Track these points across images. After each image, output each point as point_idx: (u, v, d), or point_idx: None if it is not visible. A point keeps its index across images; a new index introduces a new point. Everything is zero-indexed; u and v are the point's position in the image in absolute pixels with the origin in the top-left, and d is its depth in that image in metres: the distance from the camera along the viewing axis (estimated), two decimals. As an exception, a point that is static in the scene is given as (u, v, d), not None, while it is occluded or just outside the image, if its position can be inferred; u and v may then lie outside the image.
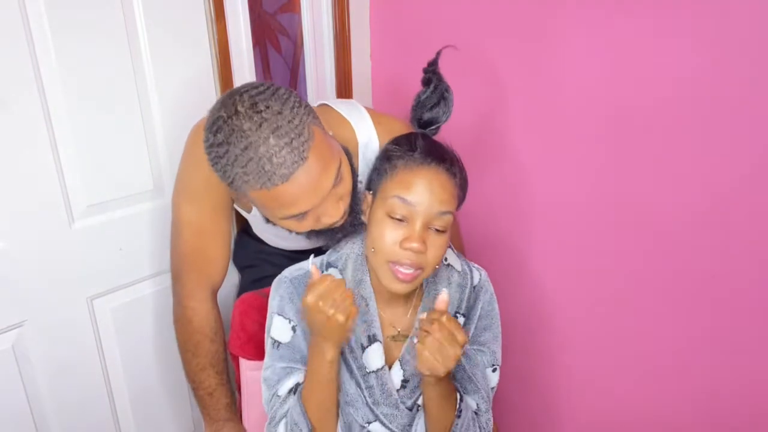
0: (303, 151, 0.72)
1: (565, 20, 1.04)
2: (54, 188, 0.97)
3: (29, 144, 0.92)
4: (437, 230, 0.75)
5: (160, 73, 1.05)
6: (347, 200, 0.83)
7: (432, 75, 0.85)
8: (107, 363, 1.13)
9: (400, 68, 1.38)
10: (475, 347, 0.88)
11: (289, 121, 0.72)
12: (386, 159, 0.78)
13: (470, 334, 0.87)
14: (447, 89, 0.84)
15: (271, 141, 0.70)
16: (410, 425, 0.84)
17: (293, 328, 0.84)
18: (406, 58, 1.36)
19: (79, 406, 1.10)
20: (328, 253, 0.89)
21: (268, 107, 0.71)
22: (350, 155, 0.87)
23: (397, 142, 0.80)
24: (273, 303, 0.86)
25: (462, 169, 0.80)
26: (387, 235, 0.75)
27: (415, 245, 0.73)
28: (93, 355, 1.11)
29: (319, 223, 0.81)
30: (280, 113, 0.71)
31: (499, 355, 0.91)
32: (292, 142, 0.71)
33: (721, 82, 0.88)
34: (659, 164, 0.98)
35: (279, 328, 0.84)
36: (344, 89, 1.42)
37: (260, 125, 0.70)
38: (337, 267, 0.86)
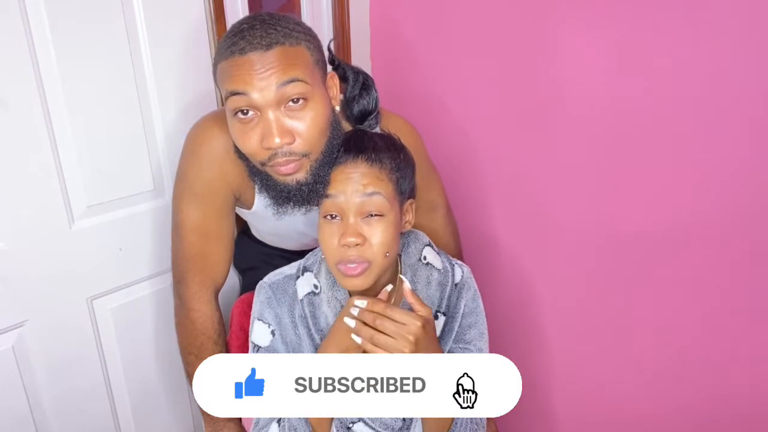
0: (271, 44, 0.77)
1: (564, 20, 1.04)
2: (54, 188, 0.97)
3: (29, 144, 0.92)
4: (373, 215, 0.75)
5: (161, 72, 1.05)
6: (305, 145, 0.80)
7: (343, 70, 0.87)
8: (107, 363, 1.13)
9: (399, 68, 1.38)
10: (461, 345, 0.87)
11: (282, 24, 0.79)
12: None
13: (454, 333, 0.87)
14: (366, 78, 0.87)
15: (256, 26, 0.78)
16: (394, 423, 0.84)
17: (272, 333, 0.84)
18: (405, 58, 1.36)
19: (79, 406, 1.10)
20: (305, 257, 0.90)
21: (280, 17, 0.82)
22: (340, 125, 0.87)
23: None
24: (254, 308, 0.87)
25: (397, 152, 0.81)
26: (327, 238, 0.76)
27: (351, 239, 0.74)
28: (93, 355, 1.11)
29: (263, 142, 0.79)
30: (283, 17, 0.81)
31: (486, 352, 0.90)
32: (268, 33, 0.78)
33: (721, 83, 0.88)
34: (657, 164, 0.98)
35: (259, 333, 0.85)
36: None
37: (262, 18, 0.80)
38: (312, 271, 0.86)
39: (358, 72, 0.90)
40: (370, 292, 0.81)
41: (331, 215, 0.77)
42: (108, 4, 0.96)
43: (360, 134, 0.83)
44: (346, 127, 0.91)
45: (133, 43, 1.01)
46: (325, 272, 0.85)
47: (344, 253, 0.75)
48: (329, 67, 0.89)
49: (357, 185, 0.75)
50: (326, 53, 0.88)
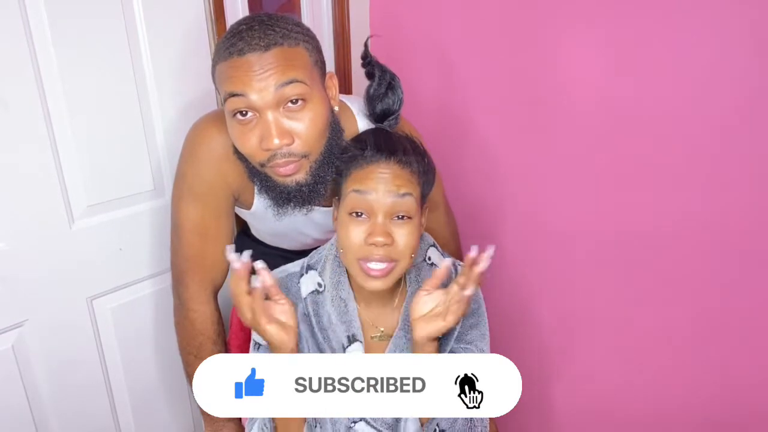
0: (269, 45, 0.77)
1: (564, 19, 1.04)
2: (54, 188, 0.97)
3: (29, 144, 0.92)
4: (402, 217, 0.75)
5: (161, 73, 1.05)
6: (305, 146, 0.80)
7: (372, 67, 0.87)
8: (107, 363, 1.13)
9: (399, 69, 1.38)
10: (462, 345, 0.87)
11: (281, 25, 0.79)
12: (343, 161, 0.80)
13: (455, 333, 0.87)
14: (393, 77, 0.86)
15: (255, 26, 0.78)
16: (396, 423, 0.84)
17: None
18: (405, 58, 1.36)
19: (79, 406, 1.10)
20: (309, 255, 0.89)
21: (278, 18, 0.81)
22: (339, 125, 0.87)
23: (351, 142, 0.82)
24: None
25: (422, 156, 0.81)
26: (352, 234, 0.76)
27: (379, 239, 0.74)
28: (93, 355, 1.11)
29: (262, 143, 0.79)
30: (282, 18, 0.80)
31: (487, 353, 0.90)
32: (267, 34, 0.77)
33: (721, 83, 0.88)
34: (658, 165, 0.98)
35: None
36: (344, 89, 1.42)
37: (260, 19, 0.80)
38: (316, 269, 0.86)
39: (384, 70, 0.89)
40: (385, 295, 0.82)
41: (357, 213, 0.76)
42: (108, 4, 0.96)
43: (387, 134, 0.82)
44: (351, 125, 0.91)
45: (133, 43, 1.01)
46: (329, 270, 0.85)
47: (370, 250, 0.75)
48: (337, 67, 0.89)
49: (390, 185, 0.75)
50: (362, 49, 0.87)
